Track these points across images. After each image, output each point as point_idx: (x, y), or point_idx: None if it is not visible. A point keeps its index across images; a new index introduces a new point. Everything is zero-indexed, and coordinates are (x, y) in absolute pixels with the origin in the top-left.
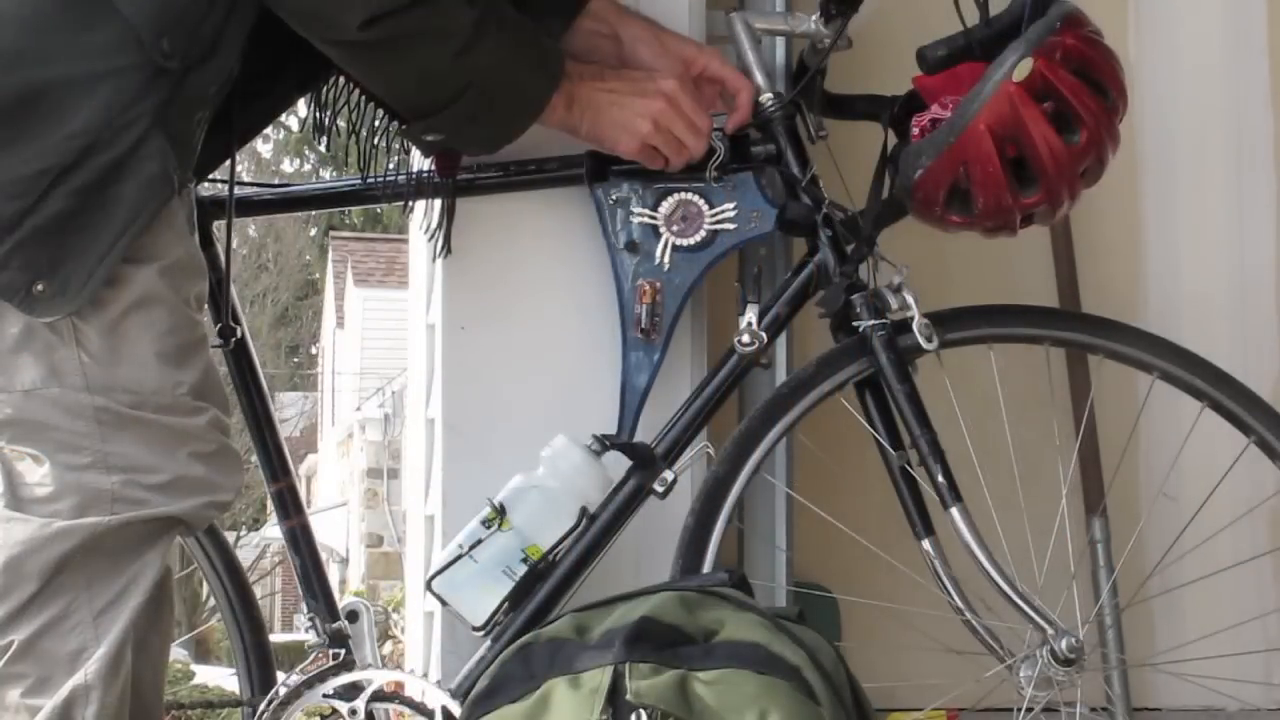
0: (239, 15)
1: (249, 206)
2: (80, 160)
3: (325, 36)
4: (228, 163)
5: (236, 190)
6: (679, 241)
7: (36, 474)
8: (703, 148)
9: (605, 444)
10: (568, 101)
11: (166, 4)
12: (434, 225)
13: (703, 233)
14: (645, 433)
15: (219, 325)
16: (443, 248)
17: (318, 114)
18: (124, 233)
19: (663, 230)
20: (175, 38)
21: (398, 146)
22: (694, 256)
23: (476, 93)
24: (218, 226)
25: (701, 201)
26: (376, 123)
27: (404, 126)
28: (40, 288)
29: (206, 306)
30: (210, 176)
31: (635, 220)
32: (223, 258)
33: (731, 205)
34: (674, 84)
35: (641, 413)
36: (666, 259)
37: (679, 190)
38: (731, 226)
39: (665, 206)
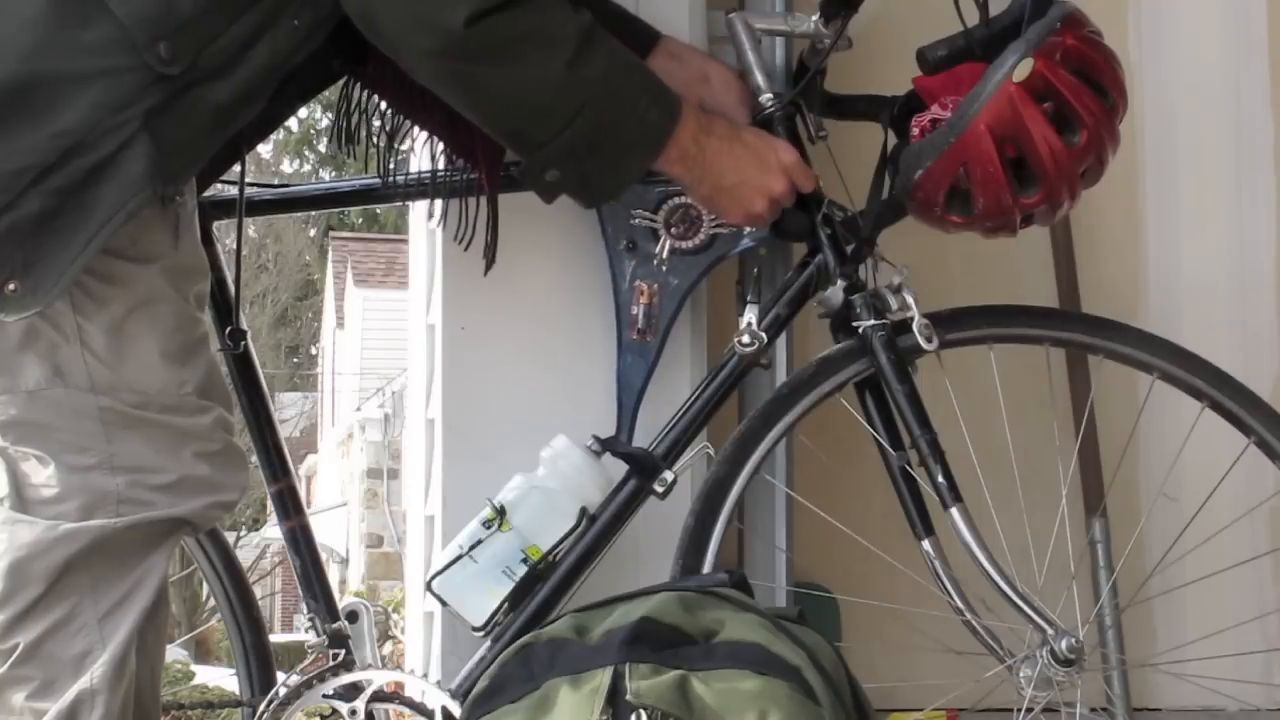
0: (271, 42)
1: (250, 207)
2: (62, 161)
3: (429, 47)
4: (234, 167)
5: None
6: (678, 244)
7: (42, 475)
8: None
9: (604, 448)
10: (687, 161)
11: (167, 9)
12: (469, 234)
13: (701, 236)
14: (645, 433)
15: (228, 329)
16: (488, 262)
17: (345, 121)
18: (98, 233)
19: (662, 233)
20: (178, 44)
21: (406, 147)
22: (692, 260)
23: (594, 115)
24: (218, 227)
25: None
26: (384, 124)
27: (522, 168)
28: (13, 287)
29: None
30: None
31: (635, 222)
32: (223, 258)
33: None
34: (794, 156)
35: (639, 413)
36: (665, 261)
37: (680, 194)
38: (730, 231)
39: (666, 209)
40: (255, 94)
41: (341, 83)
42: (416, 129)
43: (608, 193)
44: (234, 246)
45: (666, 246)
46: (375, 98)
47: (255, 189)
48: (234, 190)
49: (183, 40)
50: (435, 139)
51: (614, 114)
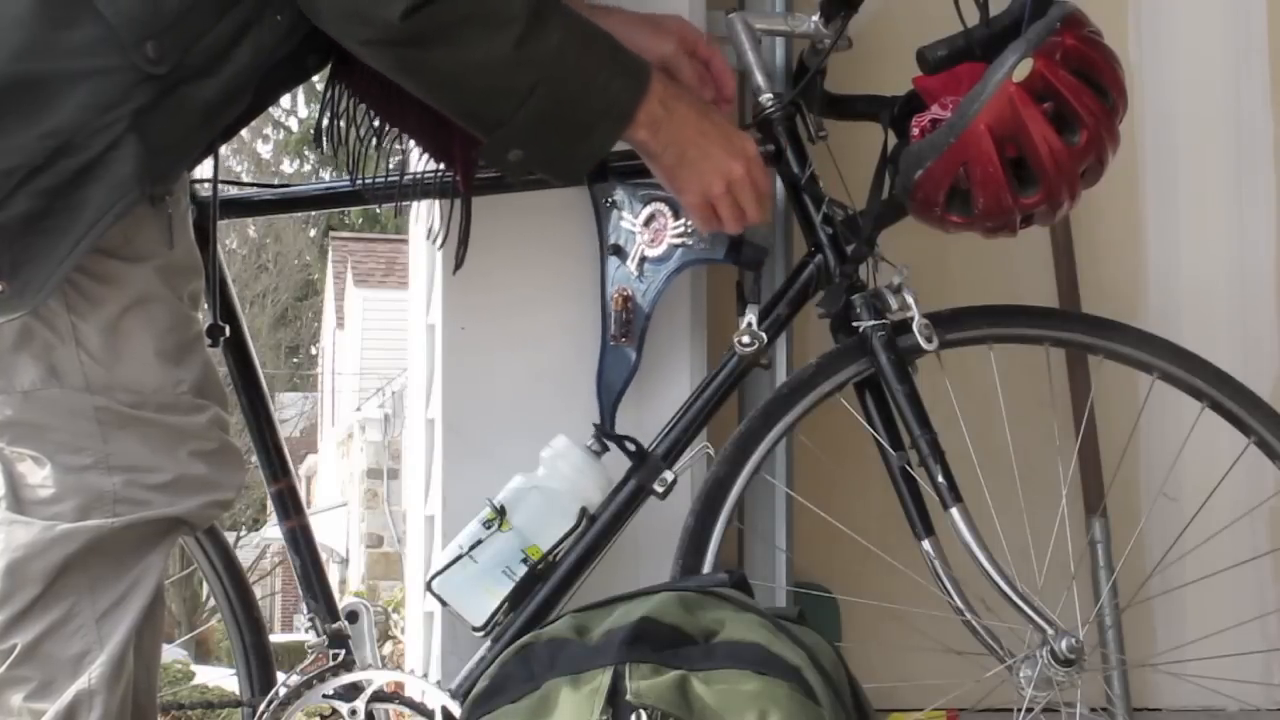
0: (255, 38)
1: (249, 207)
2: (50, 162)
3: (368, 38)
4: (214, 162)
5: (238, 191)
6: (648, 251)
7: (38, 476)
8: (761, 216)
9: (601, 436)
10: (654, 125)
11: (154, 8)
12: (444, 235)
13: (665, 245)
14: (645, 433)
15: (206, 325)
16: (458, 262)
17: (326, 119)
18: (86, 235)
19: (638, 237)
20: (165, 44)
21: (397, 148)
22: (658, 267)
23: (549, 92)
24: (218, 227)
25: (669, 213)
26: (373, 124)
27: (484, 148)
28: (0, 288)
29: (208, 305)
30: (196, 176)
31: (623, 225)
32: (223, 257)
33: (684, 222)
34: (754, 146)
35: (616, 413)
36: (635, 266)
37: (658, 199)
38: (689, 243)
39: (644, 214)
40: (240, 91)
41: (328, 83)
42: (394, 130)
43: (578, 168)
44: (234, 246)
45: (639, 252)
46: (354, 98)
47: (254, 189)
48: (234, 190)
49: (170, 39)
50: (413, 140)
51: (573, 89)
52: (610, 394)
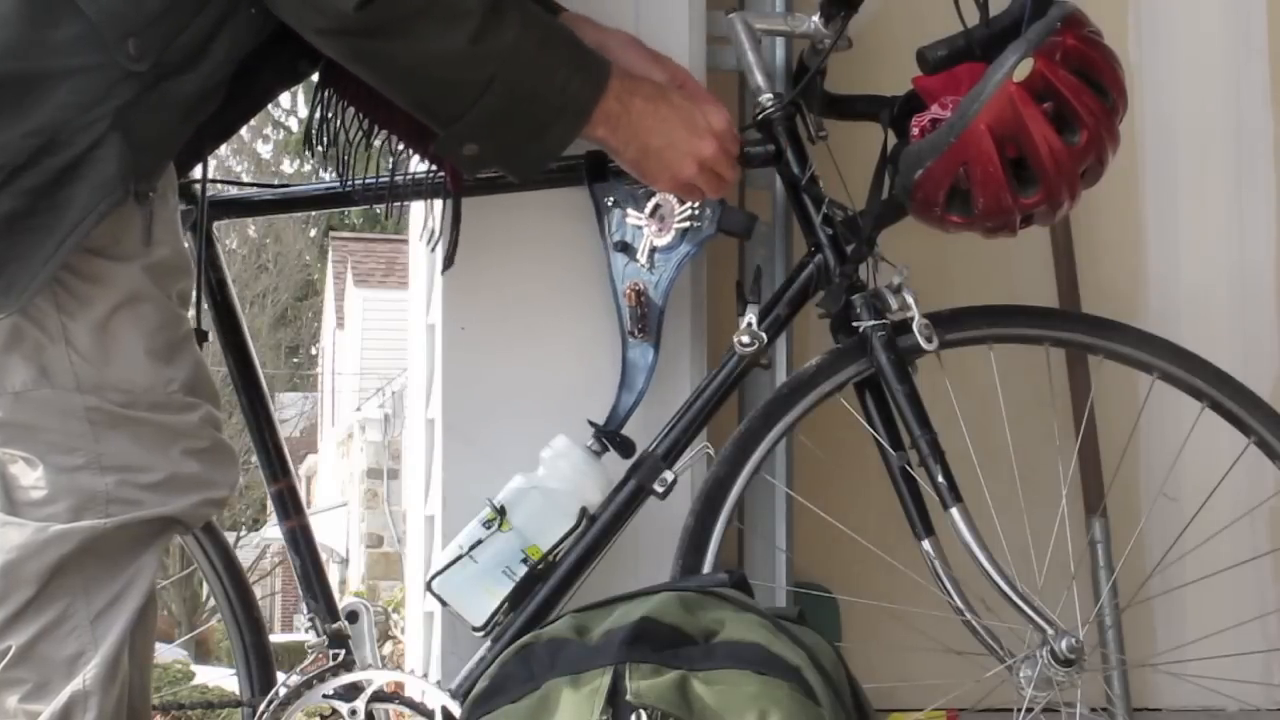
0: (232, 31)
1: (247, 207)
2: (33, 160)
3: (323, 26)
4: (210, 162)
5: (236, 191)
6: (656, 241)
7: (30, 477)
8: (737, 177)
9: (600, 434)
10: (611, 122)
11: (136, 5)
12: (437, 235)
13: (673, 232)
14: (646, 432)
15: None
16: (447, 261)
17: (316, 121)
18: (71, 234)
19: (645, 230)
20: (146, 41)
21: (399, 150)
22: (668, 255)
23: (505, 88)
24: (218, 227)
25: (674, 200)
26: (362, 126)
27: (438, 141)
28: None
29: (208, 306)
30: (189, 177)
31: (628, 221)
32: (223, 258)
33: (690, 205)
34: (725, 118)
35: (633, 413)
36: (646, 258)
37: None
38: (695, 225)
39: (649, 205)
40: (218, 86)
41: (318, 86)
42: (384, 131)
43: (534, 165)
44: (234, 246)
45: (648, 243)
46: (343, 101)
47: (253, 189)
48: (233, 190)
49: (150, 36)
50: (402, 142)
51: (530, 85)
52: (631, 393)
